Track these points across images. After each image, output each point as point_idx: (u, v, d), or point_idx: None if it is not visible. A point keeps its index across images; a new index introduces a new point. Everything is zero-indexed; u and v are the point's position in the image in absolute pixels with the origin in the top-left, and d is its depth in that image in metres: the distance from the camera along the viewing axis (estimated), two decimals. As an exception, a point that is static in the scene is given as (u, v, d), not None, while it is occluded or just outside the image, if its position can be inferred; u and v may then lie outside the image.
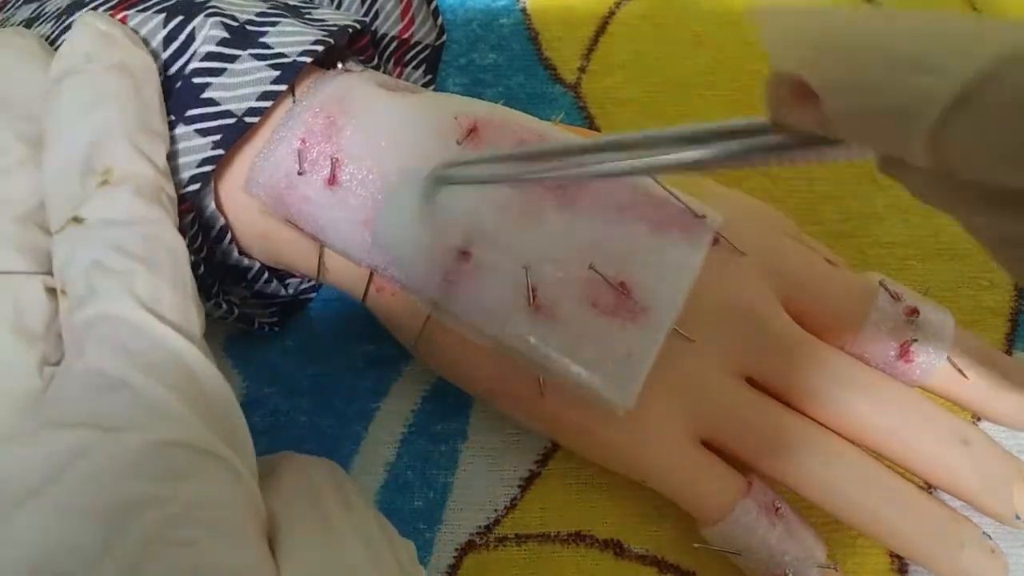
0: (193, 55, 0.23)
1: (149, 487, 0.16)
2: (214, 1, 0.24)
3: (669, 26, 0.33)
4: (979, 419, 0.27)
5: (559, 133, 0.24)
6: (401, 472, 0.28)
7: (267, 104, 0.23)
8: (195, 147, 0.22)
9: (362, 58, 0.27)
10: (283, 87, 0.23)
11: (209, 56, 0.23)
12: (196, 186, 0.23)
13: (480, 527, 0.27)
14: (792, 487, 0.24)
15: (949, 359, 0.24)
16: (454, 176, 0.22)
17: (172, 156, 0.22)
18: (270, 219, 0.24)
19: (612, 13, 0.34)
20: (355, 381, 0.29)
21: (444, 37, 0.31)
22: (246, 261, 0.26)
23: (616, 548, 0.27)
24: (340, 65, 0.26)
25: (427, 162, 0.22)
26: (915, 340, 0.24)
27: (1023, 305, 0.30)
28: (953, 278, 0.30)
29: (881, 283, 0.25)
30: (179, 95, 0.23)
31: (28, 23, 0.25)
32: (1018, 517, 0.24)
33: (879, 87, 0.11)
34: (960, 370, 0.24)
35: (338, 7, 0.29)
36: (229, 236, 0.25)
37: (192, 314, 0.19)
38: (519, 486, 0.28)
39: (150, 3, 0.23)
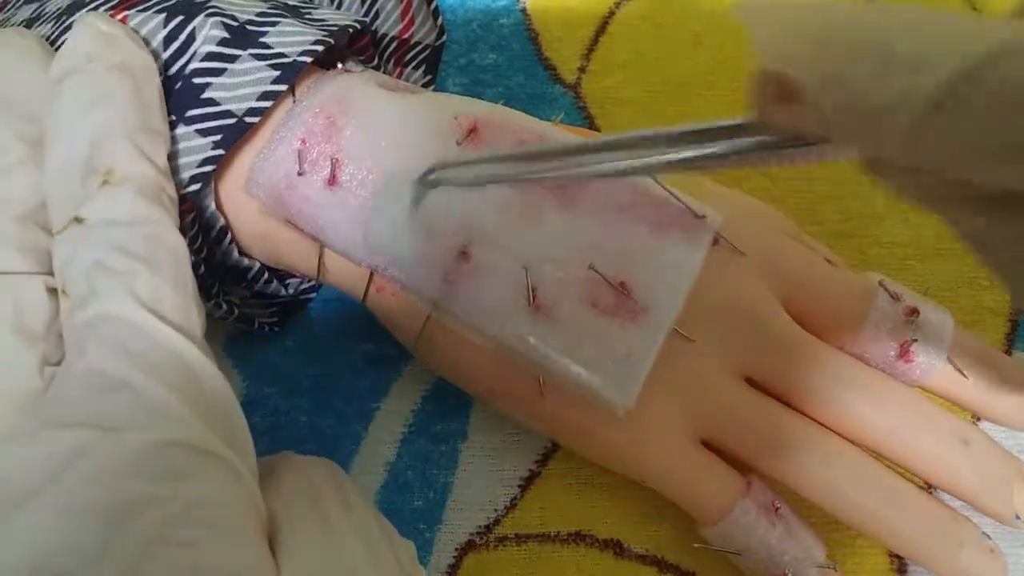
0: (193, 55, 0.23)
1: (149, 487, 0.16)
2: (214, 1, 0.24)
3: (669, 26, 0.33)
4: (979, 419, 0.27)
5: (559, 133, 0.24)
6: (401, 472, 0.28)
7: (267, 104, 0.23)
8: (195, 147, 0.23)
9: (362, 58, 0.27)
10: (283, 87, 0.23)
11: (209, 56, 0.23)
12: (196, 186, 0.23)
13: (480, 527, 0.28)
14: (792, 487, 0.24)
15: (949, 359, 0.24)
16: (444, 178, 0.22)
17: (172, 156, 0.22)
18: (270, 219, 0.24)
19: (612, 13, 0.34)
20: (355, 381, 0.29)
21: (444, 37, 0.31)
22: (246, 261, 0.26)
23: (616, 548, 0.27)
24: (340, 65, 0.26)
25: (427, 162, 0.22)
26: (915, 340, 0.24)
27: (1023, 305, 0.30)
28: (953, 278, 0.30)
29: (881, 283, 0.25)
30: (179, 95, 0.23)
31: (28, 23, 0.25)
32: (1018, 517, 0.24)
33: (862, 85, 0.11)
34: (960, 370, 0.24)
35: (338, 7, 0.29)
36: (229, 236, 0.25)
37: (193, 314, 0.19)
38: (519, 486, 0.28)
39: (150, 3, 0.23)
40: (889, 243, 0.30)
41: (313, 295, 0.30)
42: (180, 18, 0.23)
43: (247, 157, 0.24)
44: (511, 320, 0.22)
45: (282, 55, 0.23)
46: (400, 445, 0.29)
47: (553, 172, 0.19)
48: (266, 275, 0.27)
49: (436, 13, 0.31)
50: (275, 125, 0.24)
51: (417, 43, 0.31)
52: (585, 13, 0.34)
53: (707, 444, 0.24)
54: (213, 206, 0.24)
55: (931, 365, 0.24)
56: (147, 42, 0.23)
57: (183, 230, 0.21)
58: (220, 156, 0.23)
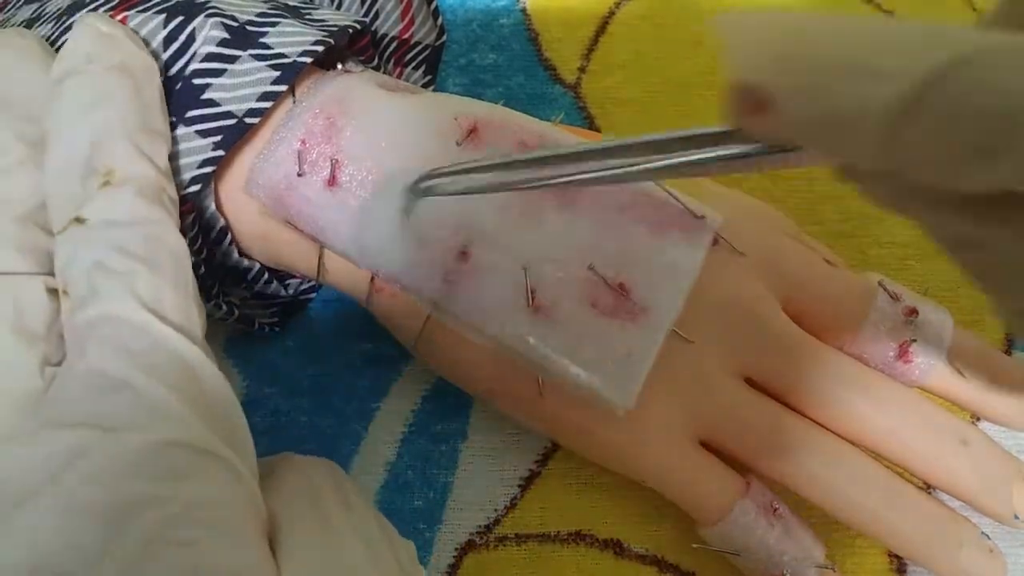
0: (193, 56, 0.23)
1: (149, 487, 0.16)
2: (214, 2, 0.24)
3: (669, 26, 0.33)
4: (978, 419, 0.27)
5: (559, 134, 0.24)
6: (401, 472, 0.28)
7: (267, 105, 0.23)
8: (195, 148, 0.23)
9: (362, 58, 0.27)
10: (283, 88, 0.23)
11: (209, 57, 0.23)
12: (197, 187, 0.23)
13: (480, 527, 0.28)
14: (791, 487, 0.24)
15: (948, 359, 0.24)
16: (434, 187, 0.22)
17: (172, 157, 0.22)
18: (270, 220, 0.24)
19: (612, 13, 0.34)
20: (355, 381, 0.29)
21: (444, 37, 0.31)
22: (246, 262, 0.26)
23: (616, 548, 0.27)
24: (340, 66, 0.26)
25: (427, 163, 0.22)
26: (914, 340, 0.24)
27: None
28: (952, 278, 0.30)
29: (880, 283, 0.25)
30: (179, 96, 0.23)
31: (29, 23, 0.25)
32: (1017, 517, 0.24)
33: (831, 94, 0.11)
34: (959, 370, 0.24)
35: (338, 7, 0.29)
36: (229, 237, 0.25)
37: (194, 315, 0.19)
38: (519, 486, 0.28)
39: (150, 4, 0.23)
40: (889, 243, 0.30)
41: (313, 295, 0.30)
42: (180, 19, 0.23)
43: (247, 158, 0.24)
44: (511, 320, 0.23)
45: (282, 55, 0.23)
46: (400, 445, 0.29)
47: (539, 181, 0.19)
48: (266, 276, 0.27)
49: (436, 13, 0.31)
50: (275, 126, 0.24)
51: (417, 43, 0.31)
52: (585, 13, 0.34)
53: (706, 444, 0.24)
54: (213, 207, 0.24)
55: (930, 365, 0.24)
56: (147, 43, 0.23)
57: (183, 231, 0.21)
58: (220, 157, 0.23)
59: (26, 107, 0.21)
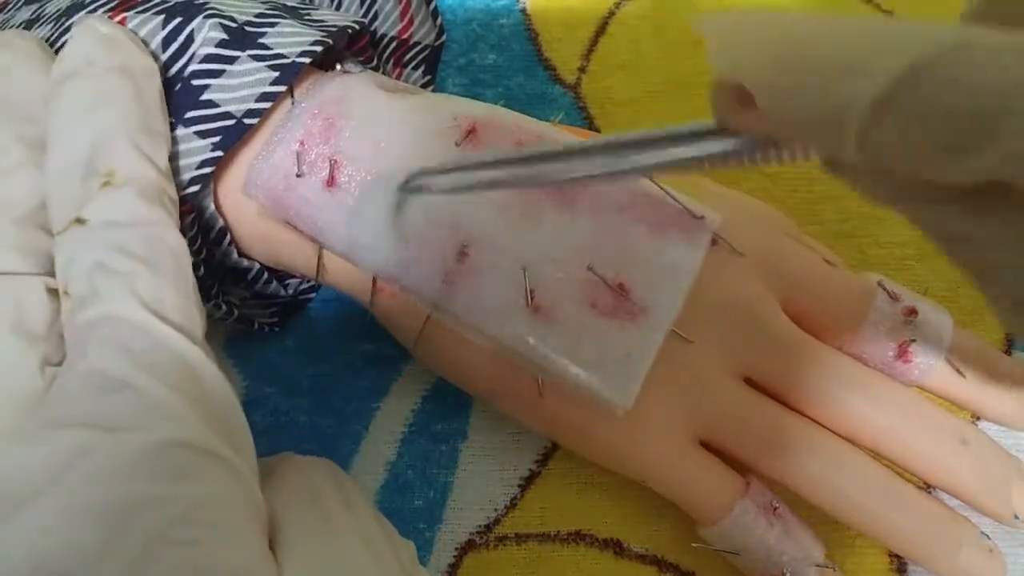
0: (192, 57, 0.23)
1: (150, 487, 0.16)
2: (213, 2, 0.24)
3: (669, 26, 0.33)
4: (978, 419, 0.27)
5: (558, 134, 0.24)
6: (401, 472, 0.28)
7: (266, 105, 0.23)
8: (195, 149, 0.23)
9: (361, 59, 0.27)
10: (282, 88, 0.23)
11: (208, 58, 0.23)
12: (196, 187, 0.23)
13: (480, 526, 0.28)
14: (791, 487, 0.24)
15: (948, 359, 0.24)
16: (426, 185, 0.22)
17: (172, 157, 0.22)
18: (269, 220, 0.24)
19: (612, 13, 0.34)
20: (355, 381, 0.29)
21: (443, 37, 0.31)
22: (246, 262, 0.26)
23: (616, 547, 0.27)
24: (339, 66, 0.26)
25: (425, 163, 0.22)
26: (914, 340, 0.24)
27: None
28: (952, 278, 0.30)
29: (880, 283, 0.25)
30: (178, 97, 0.23)
31: (28, 25, 0.25)
32: (1016, 517, 0.24)
33: (812, 91, 0.11)
34: (959, 370, 0.24)
35: (337, 8, 0.29)
36: (228, 237, 0.25)
37: (194, 315, 0.19)
38: (519, 486, 0.28)
39: (149, 5, 0.23)
40: (889, 243, 0.30)
41: (313, 295, 0.30)
42: (178, 20, 0.23)
43: (246, 158, 0.24)
44: (510, 320, 0.23)
45: (281, 56, 0.23)
46: (400, 445, 0.29)
47: (530, 178, 0.19)
48: (265, 276, 0.27)
49: (435, 13, 0.31)
50: (274, 126, 0.24)
51: (416, 43, 0.31)
52: (585, 13, 0.34)
53: (706, 444, 0.24)
54: (212, 207, 0.24)
55: (930, 365, 0.24)
56: (146, 43, 0.23)
57: (183, 231, 0.21)
58: (219, 157, 0.23)
59: (26, 108, 0.21)
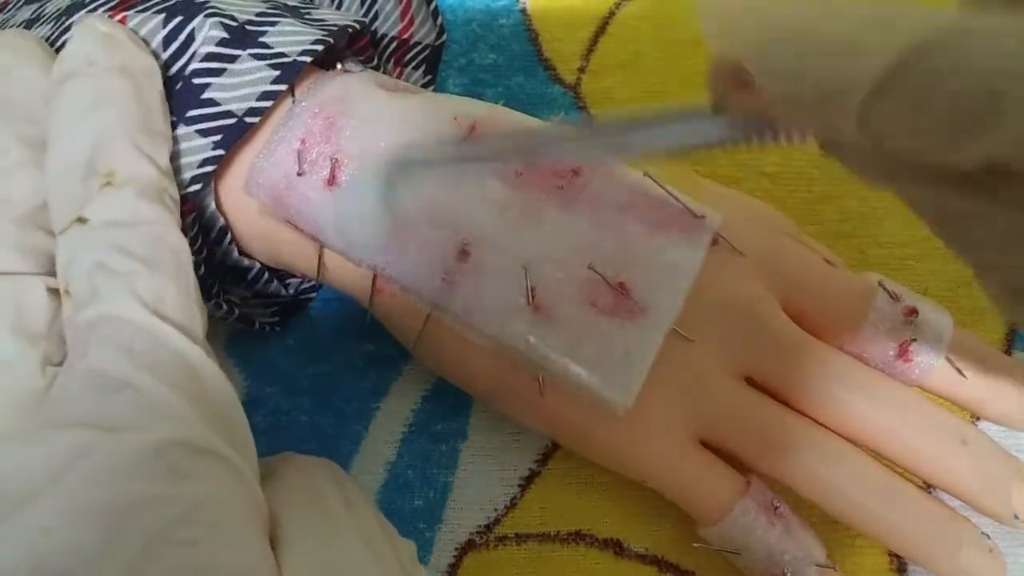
0: (193, 55, 0.23)
1: (150, 487, 0.16)
2: (213, 1, 0.24)
3: (669, 26, 0.33)
4: (978, 419, 0.27)
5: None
6: (401, 471, 0.28)
7: (267, 104, 0.23)
8: (196, 147, 0.23)
9: (362, 58, 0.27)
10: (283, 87, 0.23)
11: (209, 56, 0.23)
12: (197, 186, 0.23)
13: (480, 526, 0.28)
14: (791, 487, 0.24)
15: (948, 359, 0.24)
16: (416, 162, 0.22)
17: (173, 156, 0.22)
18: (270, 220, 0.24)
19: (612, 14, 0.34)
20: (355, 381, 0.29)
21: (444, 37, 0.31)
22: (246, 261, 0.26)
23: (616, 547, 0.27)
24: (339, 66, 0.26)
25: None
26: (914, 340, 0.24)
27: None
28: (952, 278, 0.30)
29: (880, 283, 0.25)
30: (179, 96, 0.23)
31: (28, 24, 0.25)
32: (1017, 517, 0.24)
33: (813, 71, 0.11)
34: (959, 370, 0.24)
35: (338, 7, 0.29)
36: (229, 237, 0.25)
37: (195, 314, 0.19)
38: (519, 485, 0.28)
39: (149, 4, 0.23)
40: (889, 243, 0.30)
41: (313, 295, 0.30)
42: (179, 18, 0.23)
43: (247, 157, 0.24)
44: (511, 320, 0.23)
45: (282, 55, 0.23)
46: (400, 445, 0.29)
47: (509, 157, 0.19)
48: (266, 275, 0.27)
49: (436, 13, 0.31)
50: (275, 125, 0.24)
51: (417, 43, 0.31)
52: (585, 13, 0.34)
53: (707, 444, 0.24)
54: (213, 206, 0.24)
55: (930, 365, 0.24)
56: (146, 43, 0.23)
57: (184, 230, 0.21)
58: (220, 156, 0.23)
59: (26, 108, 0.21)
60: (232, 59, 0.23)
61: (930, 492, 0.25)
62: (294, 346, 0.30)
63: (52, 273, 0.20)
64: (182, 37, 0.23)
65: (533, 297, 0.23)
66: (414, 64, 0.31)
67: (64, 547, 0.15)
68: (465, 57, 0.33)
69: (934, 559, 0.23)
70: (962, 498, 0.24)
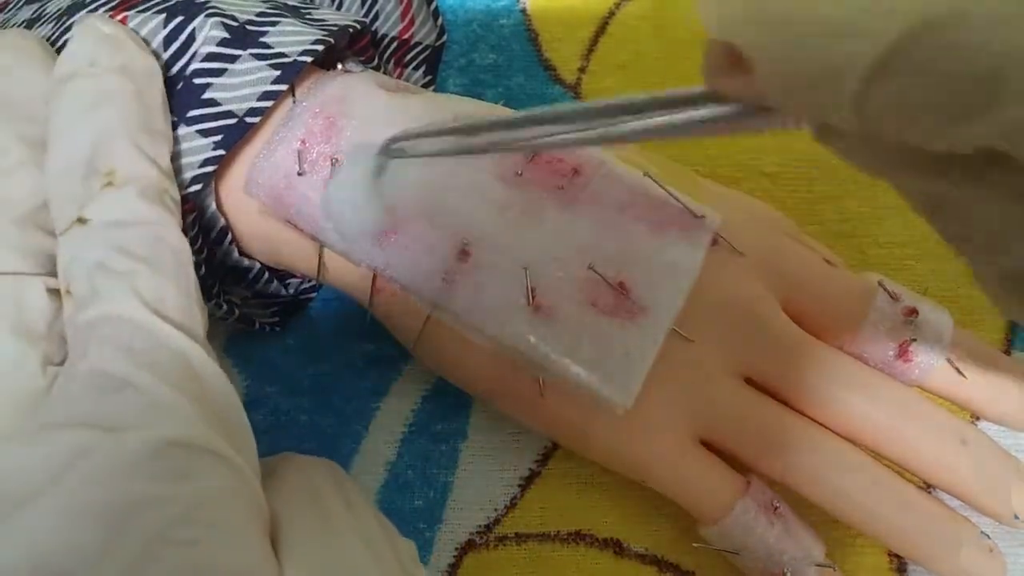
0: (194, 55, 0.23)
1: (151, 487, 0.16)
2: (214, 1, 0.24)
3: (669, 26, 0.33)
4: (978, 419, 0.27)
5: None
6: (401, 471, 0.28)
7: (268, 104, 0.23)
8: (196, 148, 0.23)
9: (362, 59, 0.27)
10: (284, 87, 0.23)
11: (210, 56, 0.23)
12: (198, 186, 0.23)
13: (480, 526, 0.28)
14: (791, 487, 0.24)
15: (948, 359, 0.24)
16: (405, 150, 0.21)
17: (173, 157, 0.22)
18: (270, 220, 0.24)
19: (612, 14, 0.34)
20: (355, 380, 0.29)
21: (444, 38, 0.31)
22: (246, 262, 0.26)
23: (616, 547, 0.27)
24: (340, 66, 0.26)
25: (425, 163, 0.22)
26: (914, 340, 0.24)
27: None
28: (952, 278, 0.30)
29: (880, 283, 0.25)
30: (180, 96, 0.23)
31: (29, 24, 0.25)
32: (1016, 517, 0.24)
33: (808, 52, 0.11)
34: (959, 370, 0.24)
35: (338, 8, 0.30)
36: (229, 237, 0.25)
37: (195, 314, 0.19)
38: (519, 485, 0.28)
39: (150, 4, 0.23)
40: (889, 243, 0.30)
41: (313, 295, 0.30)
42: (180, 18, 0.23)
43: (247, 157, 0.24)
44: (511, 320, 0.23)
45: (282, 55, 0.23)
46: (400, 445, 0.29)
47: (500, 145, 0.19)
48: (266, 275, 0.27)
49: (436, 13, 0.31)
50: (275, 125, 0.24)
51: (417, 43, 0.31)
52: (585, 13, 0.34)
53: (706, 444, 0.24)
54: (213, 206, 0.24)
55: (930, 365, 0.24)
56: (147, 43, 0.23)
57: (184, 230, 0.21)
58: (221, 156, 0.23)
59: (26, 108, 0.21)
60: (233, 59, 0.23)
61: (930, 492, 0.25)
62: (294, 346, 0.30)
63: (52, 273, 0.20)
64: (183, 37, 0.23)
65: (533, 297, 0.23)
66: (414, 64, 0.31)
67: (64, 547, 0.15)
68: (465, 57, 0.33)
69: (934, 559, 0.23)
70: (962, 498, 0.24)
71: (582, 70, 0.33)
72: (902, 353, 0.24)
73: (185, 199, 0.22)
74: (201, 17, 0.23)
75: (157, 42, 0.23)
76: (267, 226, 0.25)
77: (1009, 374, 0.25)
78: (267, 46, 0.23)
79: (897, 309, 0.24)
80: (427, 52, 0.31)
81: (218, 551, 0.16)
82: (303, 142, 0.23)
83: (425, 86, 0.32)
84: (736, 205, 0.26)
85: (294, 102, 0.24)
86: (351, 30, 0.25)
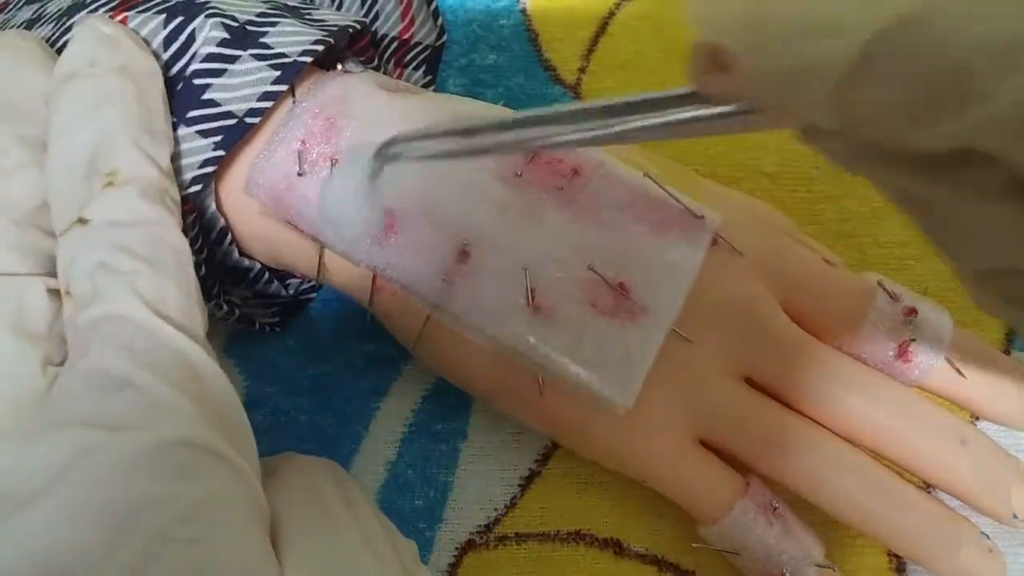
0: (194, 56, 0.23)
1: (153, 486, 0.16)
2: (214, 2, 0.24)
3: (669, 26, 0.33)
4: (977, 419, 0.27)
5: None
6: (401, 471, 0.28)
7: (268, 104, 0.23)
8: (196, 148, 0.23)
9: (362, 59, 0.27)
10: (284, 87, 0.23)
11: (210, 57, 0.23)
12: (198, 187, 0.23)
13: (480, 526, 0.28)
14: (791, 487, 0.24)
15: (947, 359, 0.24)
16: (401, 153, 0.21)
17: (174, 157, 0.22)
18: (270, 220, 0.24)
19: (612, 14, 0.34)
20: (355, 381, 0.29)
21: (444, 38, 0.31)
22: (247, 262, 0.26)
23: (616, 547, 0.27)
24: (340, 66, 0.26)
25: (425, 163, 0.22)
26: (913, 340, 0.24)
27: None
28: (952, 278, 0.30)
29: (879, 283, 0.25)
30: (180, 96, 0.23)
31: (29, 25, 0.25)
32: (1016, 517, 0.24)
33: (787, 51, 0.11)
34: (958, 370, 0.24)
35: (338, 8, 0.30)
36: (229, 237, 0.25)
37: (196, 314, 0.19)
38: (519, 485, 0.28)
39: (150, 4, 0.23)
40: (888, 243, 0.30)
41: (314, 295, 0.30)
42: (180, 19, 0.23)
43: (247, 158, 0.24)
44: (511, 320, 0.23)
45: (282, 55, 0.23)
46: (400, 444, 0.29)
47: (494, 147, 0.19)
48: (266, 276, 0.27)
49: (436, 14, 0.31)
50: (275, 126, 0.24)
51: (417, 43, 0.31)
52: (585, 14, 0.34)
53: (706, 444, 0.24)
54: (214, 207, 0.24)
55: (930, 365, 0.24)
56: (147, 43, 0.23)
57: (184, 230, 0.21)
58: (221, 157, 0.23)
59: (26, 108, 0.21)
60: (233, 59, 0.23)
61: (930, 492, 0.25)
62: (294, 346, 0.30)
63: (52, 273, 0.20)
64: (183, 38, 0.23)
65: (533, 297, 0.23)
66: (414, 64, 0.31)
67: (66, 546, 0.15)
68: (465, 57, 0.33)
69: (934, 559, 0.23)
70: (962, 498, 0.24)
71: (582, 70, 0.33)
72: (902, 353, 0.24)
73: (185, 199, 0.22)
74: (201, 17, 0.23)
75: (157, 42, 0.23)
76: (267, 226, 0.25)
77: (1009, 374, 0.25)
78: (267, 46, 0.23)
79: (897, 309, 0.24)
80: (427, 52, 0.31)
81: (219, 550, 0.16)
82: (303, 143, 0.23)
83: (425, 86, 0.32)
84: (736, 205, 0.26)
85: (294, 102, 0.24)
86: (351, 30, 0.25)
